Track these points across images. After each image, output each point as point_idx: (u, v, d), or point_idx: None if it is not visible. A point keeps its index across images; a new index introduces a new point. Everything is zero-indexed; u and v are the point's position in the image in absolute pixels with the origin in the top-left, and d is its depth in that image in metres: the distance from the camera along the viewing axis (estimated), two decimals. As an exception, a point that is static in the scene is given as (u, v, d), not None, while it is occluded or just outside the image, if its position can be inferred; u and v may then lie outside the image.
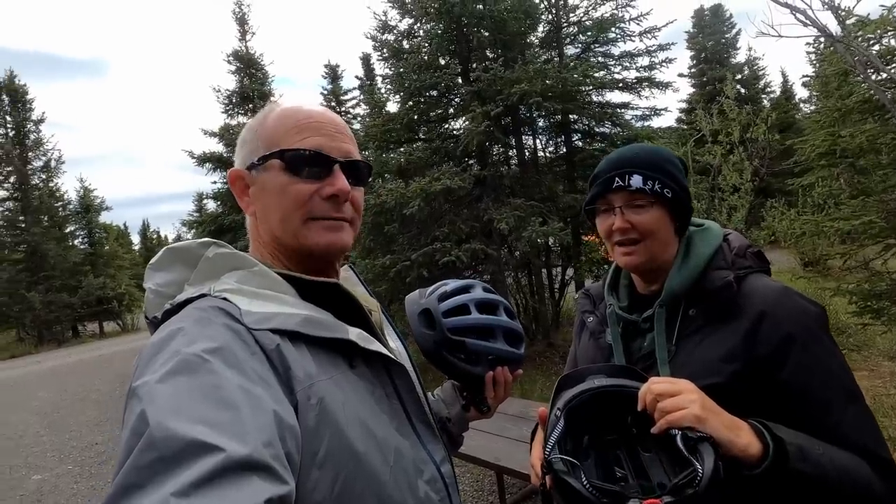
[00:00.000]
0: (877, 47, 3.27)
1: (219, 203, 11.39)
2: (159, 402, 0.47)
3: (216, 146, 11.34)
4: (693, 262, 0.91)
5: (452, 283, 0.97)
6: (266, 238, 0.73)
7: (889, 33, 3.16)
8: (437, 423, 0.79)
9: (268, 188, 0.71)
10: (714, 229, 0.97)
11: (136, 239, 42.65)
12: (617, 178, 0.91)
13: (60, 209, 19.37)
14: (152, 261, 0.70)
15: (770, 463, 0.69)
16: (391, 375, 0.71)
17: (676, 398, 0.71)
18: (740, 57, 21.68)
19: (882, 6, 3.19)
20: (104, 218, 21.72)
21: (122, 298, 19.89)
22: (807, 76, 17.22)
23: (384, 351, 0.69)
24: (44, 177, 18.75)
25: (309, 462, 0.55)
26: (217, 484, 0.42)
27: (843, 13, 3.10)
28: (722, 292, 0.87)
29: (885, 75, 3.20)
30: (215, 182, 11.34)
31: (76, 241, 20.18)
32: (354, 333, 0.67)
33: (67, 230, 19.77)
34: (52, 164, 18.89)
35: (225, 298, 0.62)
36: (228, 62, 11.78)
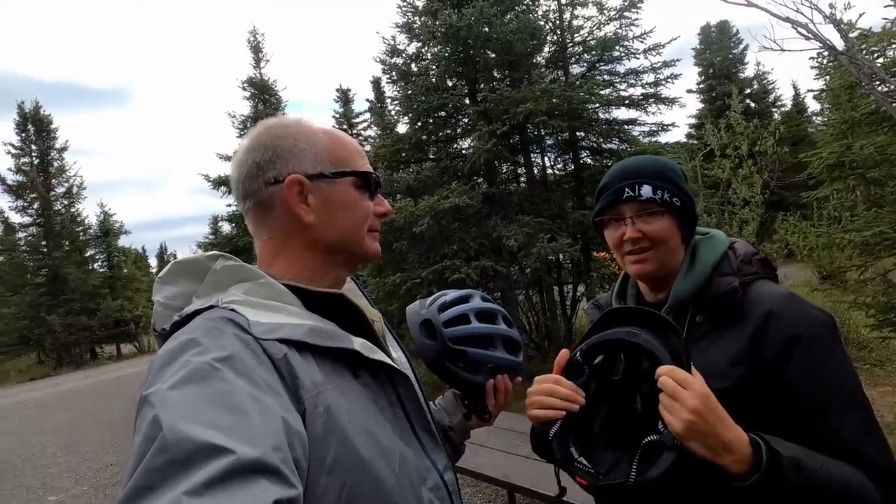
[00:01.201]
0: (881, 59, 3.28)
1: (233, 225, 11.59)
2: (171, 408, 0.49)
3: (231, 170, 11.57)
4: (699, 268, 0.92)
5: (452, 294, 0.98)
6: (323, 242, 0.76)
7: (893, 45, 3.16)
8: (439, 432, 0.80)
9: (337, 200, 0.77)
10: (719, 237, 0.98)
11: (153, 262, 43.41)
12: (627, 189, 0.92)
13: (81, 234, 19.79)
14: (160, 274, 0.71)
15: (760, 477, 0.69)
16: (394, 385, 0.73)
17: (671, 404, 0.71)
18: (749, 72, 21.66)
19: (885, 19, 3.21)
20: (123, 242, 22.18)
21: (139, 320, 20.14)
22: (812, 90, 17.10)
23: (387, 360, 0.71)
24: (66, 202, 19.22)
25: (318, 469, 0.56)
26: (227, 485, 0.43)
27: (846, 27, 3.12)
28: (727, 298, 0.87)
29: (892, 86, 3.19)
30: (230, 205, 11.56)
31: (95, 265, 20.59)
32: (358, 343, 0.68)
33: (87, 254, 20.18)
34: (74, 190, 19.40)
35: (233, 310, 0.63)
36: (243, 88, 12.12)
